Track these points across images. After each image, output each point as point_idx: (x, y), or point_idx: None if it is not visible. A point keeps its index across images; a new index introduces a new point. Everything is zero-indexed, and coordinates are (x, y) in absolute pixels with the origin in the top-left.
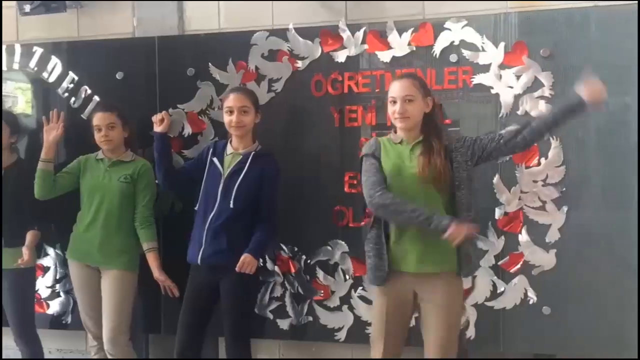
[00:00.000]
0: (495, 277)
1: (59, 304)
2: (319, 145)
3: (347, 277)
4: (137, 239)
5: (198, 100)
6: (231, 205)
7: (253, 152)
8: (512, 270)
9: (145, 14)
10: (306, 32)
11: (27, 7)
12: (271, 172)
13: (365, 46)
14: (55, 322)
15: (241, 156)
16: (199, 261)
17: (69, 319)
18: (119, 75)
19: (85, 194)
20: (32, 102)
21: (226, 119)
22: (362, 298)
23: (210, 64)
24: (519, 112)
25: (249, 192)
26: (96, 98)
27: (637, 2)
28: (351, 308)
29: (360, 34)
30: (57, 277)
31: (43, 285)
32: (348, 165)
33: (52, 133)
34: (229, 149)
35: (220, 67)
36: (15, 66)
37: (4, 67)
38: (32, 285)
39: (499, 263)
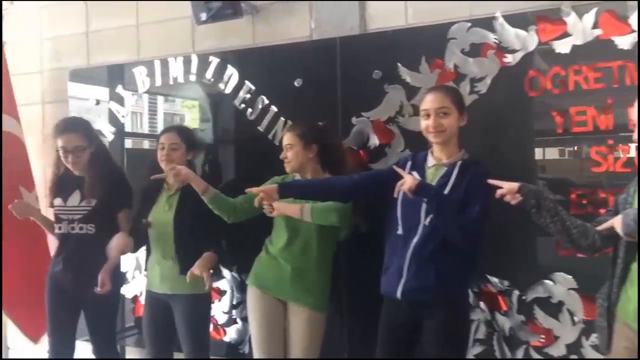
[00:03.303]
0: None
1: (235, 332)
2: (537, 156)
3: (576, 320)
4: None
5: (386, 106)
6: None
7: (460, 161)
8: None
9: (324, 15)
10: (518, 20)
11: (204, 16)
12: (479, 180)
13: (598, 31)
14: (232, 351)
15: (446, 167)
16: (398, 295)
17: (247, 349)
18: (297, 83)
19: (279, 218)
20: (209, 114)
21: (422, 124)
22: (597, 348)
23: (399, 64)
24: None
25: (460, 211)
26: (273, 108)
27: (637, 1)
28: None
29: (590, 17)
30: (234, 303)
31: (220, 310)
32: (575, 180)
33: (180, 176)
34: (431, 161)
35: (412, 68)
36: (192, 78)
37: (181, 79)
38: (207, 312)
39: None
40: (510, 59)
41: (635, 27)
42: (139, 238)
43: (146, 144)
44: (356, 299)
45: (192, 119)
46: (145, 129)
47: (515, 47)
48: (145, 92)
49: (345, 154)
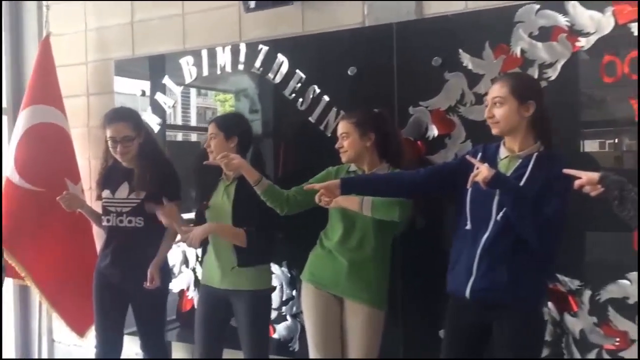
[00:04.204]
0: None
1: (285, 329)
2: (613, 146)
3: None
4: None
5: (445, 95)
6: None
7: (536, 153)
8: None
9: (378, 1)
10: (592, 1)
11: (252, 3)
12: (557, 175)
13: None
14: (282, 349)
15: (521, 159)
16: (467, 294)
17: (297, 346)
18: (350, 71)
19: (335, 210)
20: (257, 105)
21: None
22: None
23: (460, 50)
24: None
25: (536, 206)
26: (325, 98)
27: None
28: None
29: None
30: (284, 299)
31: None
32: None
33: (231, 165)
34: (503, 152)
35: (474, 54)
36: (240, 67)
37: (229, 69)
38: (269, 309)
39: None
40: (583, 42)
41: None
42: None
43: (180, 137)
44: (412, 296)
45: (251, 106)
46: (179, 122)
47: (589, 30)
48: (192, 83)
49: (404, 143)
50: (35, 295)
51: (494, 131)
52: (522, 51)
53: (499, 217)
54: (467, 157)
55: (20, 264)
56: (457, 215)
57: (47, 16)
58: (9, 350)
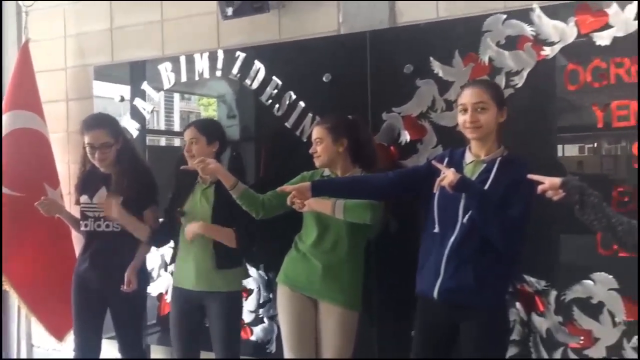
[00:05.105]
0: None
1: (262, 331)
2: (577, 151)
3: (617, 321)
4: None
5: (417, 101)
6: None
7: (500, 158)
8: None
9: (352, 9)
10: (556, 11)
11: (230, 11)
12: (520, 178)
13: None
14: (259, 351)
15: (485, 164)
16: (434, 295)
17: (273, 348)
18: (325, 78)
19: (309, 214)
20: (235, 111)
21: (459, 119)
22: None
23: (431, 58)
24: None
25: (500, 209)
26: (301, 104)
27: (637, 1)
28: None
29: (633, 8)
30: (261, 302)
31: (246, 309)
32: (617, 175)
33: (208, 169)
34: (469, 157)
35: (444, 62)
36: (218, 74)
37: (207, 75)
38: (241, 310)
39: None
40: (548, 51)
41: None
42: (168, 231)
43: (163, 141)
44: (386, 298)
45: (228, 111)
46: (162, 127)
47: (554, 40)
48: (171, 89)
49: (376, 149)
50: (14, 299)
51: (473, 135)
52: (490, 59)
53: (465, 220)
54: (434, 162)
55: None
56: (425, 218)
57: (26, 22)
58: None
